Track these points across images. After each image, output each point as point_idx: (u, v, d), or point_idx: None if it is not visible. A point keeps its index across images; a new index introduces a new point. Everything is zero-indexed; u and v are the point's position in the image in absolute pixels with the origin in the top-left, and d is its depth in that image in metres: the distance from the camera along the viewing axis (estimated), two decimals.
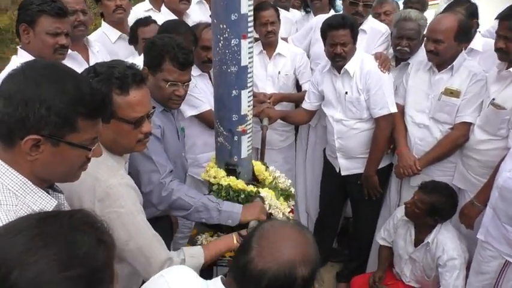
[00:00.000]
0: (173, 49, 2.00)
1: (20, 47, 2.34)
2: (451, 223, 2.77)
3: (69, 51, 2.52)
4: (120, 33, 3.19)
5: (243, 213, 2.00)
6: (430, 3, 4.35)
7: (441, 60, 2.67)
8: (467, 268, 2.56)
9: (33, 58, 2.25)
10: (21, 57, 2.26)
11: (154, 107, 1.71)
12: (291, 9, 4.03)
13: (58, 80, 1.11)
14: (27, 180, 1.13)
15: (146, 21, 2.98)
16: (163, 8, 3.52)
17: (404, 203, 2.74)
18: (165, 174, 1.96)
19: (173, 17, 3.43)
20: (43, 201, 1.15)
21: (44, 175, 1.16)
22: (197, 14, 3.63)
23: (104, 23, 3.26)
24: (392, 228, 2.90)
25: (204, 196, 2.05)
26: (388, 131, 2.89)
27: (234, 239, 1.84)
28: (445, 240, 2.58)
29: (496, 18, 2.44)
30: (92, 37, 3.16)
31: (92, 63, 2.77)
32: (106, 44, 3.12)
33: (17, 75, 1.11)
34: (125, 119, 1.55)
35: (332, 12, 3.55)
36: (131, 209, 1.53)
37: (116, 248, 0.90)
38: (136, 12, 3.36)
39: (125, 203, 1.52)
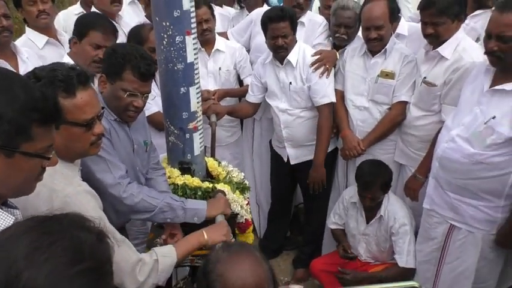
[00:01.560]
0: (135, 58, 1.88)
1: None
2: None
3: None
4: (47, 37, 3.02)
5: (208, 209, 2.00)
6: None
7: (384, 45, 2.81)
8: (415, 236, 2.75)
9: None
10: None
11: (103, 107, 1.65)
12: (224, 6, 4.04)
13: (6, 86, 1.04)
14: None
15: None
16: (93, 10, 3.39)
17: (361, 201, 2.84)
18: (120, 174, 1.89)
19: None
20: (0, 219, 1.08)
21: None
22: (130, 15, 3.54)
23: (27, 29, 3.07)
24: (343, 210, 3.02)
25: (166, 195, 2.01)
26: (331, 119, 3.00)
27: (204, 234, 1.83)
28: (395, 209, 2.77)
29: (418, 8, 2.61)
30: (18, 43, 2.97)
31: (22, 71, 2.61)
32: (33, 50, 2.94)
33: None
34: (75, 122, 1.49)
35: (265, 7, 3.60)
36: (93, 215, 1.47)
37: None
38: (67, 15, 3.20)
39: (85, 211, 1.45)
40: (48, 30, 3.07)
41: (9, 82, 1.06)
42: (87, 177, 1.82)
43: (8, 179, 1.08)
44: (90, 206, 1.49)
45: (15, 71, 2.50)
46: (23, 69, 2.63)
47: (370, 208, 2.82)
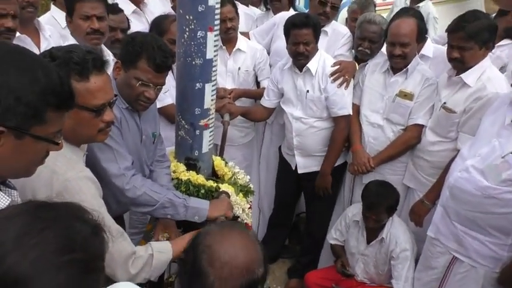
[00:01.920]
0: (152, 49, 1.85)
1: None
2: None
3: (18, 34, 2.35)
4: None
5: (210, 209, 1.96)
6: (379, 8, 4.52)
7: (407, 63, 2.76)
8: (415, 263, 2.69)
9: None
10: None
11: (116, 95, 1.63)
12: (250, 6, 4.01)
13: (27, 67, 1.02)
14: None
15: (114, 8, 2.82)
16: None
17: (364, 221, 2.79)
18: (125, 165, 1.87)
19: (130, 5, 3.31)
20: None
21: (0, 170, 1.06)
22: (156, 4, 3.52)
23: (53, 7, 3.06)
24: (344, 227, 2.97)
25: (169, 191, 1.98)
26: (347, 131, 2.96)
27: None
28: (398, 233, 2.71)
29: (446, 31, 2.56)
30: (41, 20, 2.96)
31: (43, 48, 2.59)
32: (55, 29, 2.93)
33: None
34: (86, 106, 1.46)
35: (292, 11, 3.56)
36: (91, 202, 1.45)
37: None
38: None
39: (84, 197, 1.44)
40: None
41: (31, 63, 1.04)
42: (93, 163, 1.80)
43: (12, 160, 1.06)
44: (89, 193, 1.46)
45: (35, 51, 2.52)
46: (45, 46, 2.61)
47: (373, 229, 2.77)
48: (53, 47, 1.52)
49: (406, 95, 2.79)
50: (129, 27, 2.96)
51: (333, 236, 3.04)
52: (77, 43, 2.42)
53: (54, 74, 1.06)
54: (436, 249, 2.42)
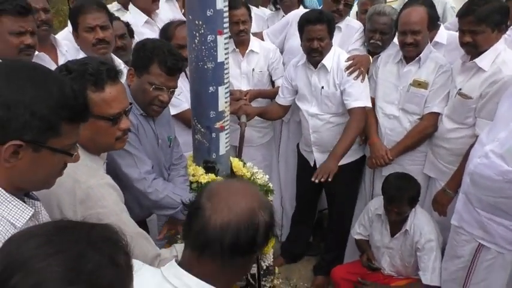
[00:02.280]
0: (163, 53, 1.94)
1: None
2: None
3: (36, 52, 2.43)
4: None
5: None
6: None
7: (419, 51, 2.74)
8: (442, 253, 2.66)
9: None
10: None
11: (131, 103, 1.68)
12: (260, 6, 4.04)
13: (42, 82, 1.07)
14: (1, 189, 1.07)
15: (112, 16, 2.88)
16: (131, 6, 3.45)
17: (386, 214, 2.77)
18: (146, 169, 1.93)
19: (142, 16, 3.38)
20: (18, 211, 1.10)
21: (20, 183, 1.11)
22: (166, 12, 3.57)
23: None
24: (368, 221, 2.96)
25: (191, 194, 2.03)
26: (362, 123, 2.88)
27: None
28: (422, 224, 2.68)
29: (457, 16, 2.53)
30: (59, 36, 3.05)
31: (60, 63, 2.68)
32: (74, 44, 3.02)
33: None
34: (102, 116, 1.51)
35: (302, 9, 3.57)
36: (114, 208, 1.50)
37: (132, 270, 0.84)
38: None
39: (106, 203, 1.48)
40: None
41: (45, 78, 1.09)
42: (113, 170, 1.85)
43: (31, 173, 1.10)
44: (111, 199, 1.51)
45: (49, 68, 2.59)
46: (62, 61, 2.68)
47: (396, 222, 2.75)
48: (68, 61, 1.58)
49: (420, 84, 2.76)
50: (132, 34, 3.02)
51: (357, 231, 3.03)
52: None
53: (68, 88, 1.11)
54: (461, 238, 2.39)
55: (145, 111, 2.04)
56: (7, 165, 1.05)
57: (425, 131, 2.80)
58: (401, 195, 2.64)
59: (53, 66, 2.57)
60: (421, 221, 2.70)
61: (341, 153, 2.81)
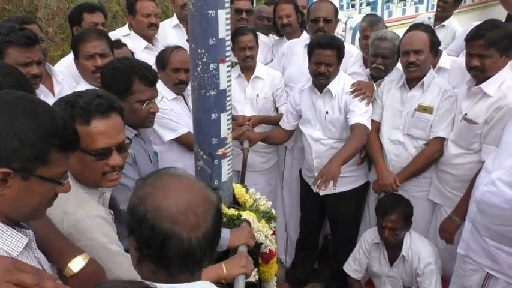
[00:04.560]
0: (139, 69, 1.99)
1: None
2: (427, 238, 2.83)
3: None
4: None
5: (231, 238, 1.96)
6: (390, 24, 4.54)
7: (422, 73, 2.73)
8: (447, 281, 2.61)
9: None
10: None
11: (130, 139, 1.65)
12: (270, 34, 4.08)
13: (32, 112, 1.08)
14: None
15: (117, 43, 2.93)
16: (131, 32, 3.52)
17: (380, 237, 2.76)
18: None
19: (142, 41, 3.44)
20: (13, 240, 1.10)
21: (10, 212, 1.10)
22: (174, 38, 3.62)
23: None
24: (363, 255, 2.92)
25: None
26: (363, 139, 2.79)
27: (223, 268, 1.79)
28: (419, 249, 2.66)
29: (465, 40, 2.53)
30: (62, 63, 3.10)
31: (56, 92, 2.71)
32: (76, 70, 3.06)
33: None
34: (85, 150, 1.48)
35: (305, 34, 3.61)
36: (102, 240, 1.47)
37: None
38: (115, 36, 3.32)
39: (94, 236, 1.45)
40: None
41: (35, 108, 1.10)
42: (115, 205, 1.84)
43: (21, 202, 1.10)
44: (99, 231, 1.47)
45: (50, 96, 2.60)
46: (58, 90, 2.72)
47: (392, 245, 2.72)
48: (73, 92, 1.58)
49: (425, 109, 2.75)
50: None
51: (352, 267, 2.98)
52: (86, 83, 2.52)
53: (58, 118, 1.12)
54: (468, 267, 2.34)
55: (141, 127, 2.09)
56: None
57: (432, 156, 2.78)
58: (395, 207, 2.66)
59: (48, 95, 2.60)
60: (417, 246, 2.68)
61: (343, 158, 2.61)
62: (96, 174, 1.54)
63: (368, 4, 13.13)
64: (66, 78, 2.85)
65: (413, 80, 2.78)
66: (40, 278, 1.04)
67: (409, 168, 2.83)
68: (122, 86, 1.99)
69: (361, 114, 2.83)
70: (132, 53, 3.04)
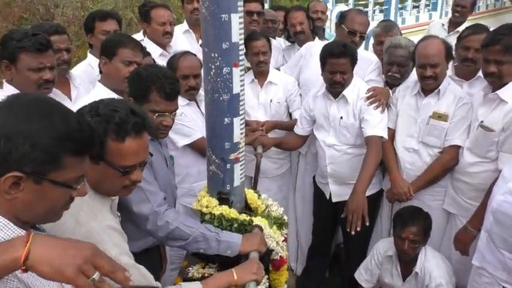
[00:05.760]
0: (159, 80, 1.97)
1: (6, 81, 2.26)
2: (440, 250, 2.77)
3: None
4: None
5: (243, 243, 1.95)
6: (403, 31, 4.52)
7: (438, 84, 2.71)
8: None
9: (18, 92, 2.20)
10: (6, 91, 2.19)
11: (151, 154, 1.66)
12: (277, 37, 4.09)
13: (45, 114, 1.06)
14: (7, 221, 1.06)
15: (144, 52, 2.94)
16: (146, 39, 3.55)
17: (398, 249, 2.70)
18: (158, 202, 1.92)
19: (157, 48, 3.46)
20: None
21: (23, 215, 1.09)
22: (184, 43, 3.64)
23: (89, 55, 3.24)
24: (375, 265, 2.88)
25: (202, 225, 2.00)
26: (380, 153, 2.78)
27: (234, 274, 1.77)
28: (431, 267, 2.62)
29: (481, 46, 2.49)
30: (78, 68, 3.13)
31: (73, 96, 2.75)
32: (91, 75, 3.08)
33: (2, 109, 1.05)
34: (114, 165, 1.48)
35: (317, 40, 3.60)
36: (113, 251, 1.46)
37: None
38: None
39: (106, 246, 1.43)
40: None
41: (49, 110, 1.08)
42: (125, 205, 1.84)
43: (34, 206, 1.08)
44: (111, 242, 1.47)
45: (66, 101, 2.62)
46: (75, 94, 2.76)
47: (407, 258, 2.67)
48: (102, 101, 1.54)
49: (440, 116, 2.71)
50: None
51: (364, 277, 2.94)
52: (103, 87, 2.51)
53: (73, 120, 1.09)
54: (483, 280, 2.27)
55: (152, 136, 2.06)
56: (7, 197, 1.04)
57: (447, 164, 2.73)
58: (416, 218, 2.62)
59: (65, 100, 2.63)
60: (431, 264, 2.63)
61: (365, 187, 2.60)
62: (117, 187, 1.54)
63: (381, 11, 13.13)
64: (83, 82, 2.88)
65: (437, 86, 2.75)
66: (114, 267, 1.04)
67: (423, 177, 2.79)
68: (140, 92, 2.00)
69: (376, 124, 2.81)
70: (153, 60, 3.05)
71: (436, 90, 2.73)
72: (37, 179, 1.05)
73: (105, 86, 2.51)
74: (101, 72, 2.62)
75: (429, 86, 2.73)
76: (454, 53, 2.85)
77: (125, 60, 2.47)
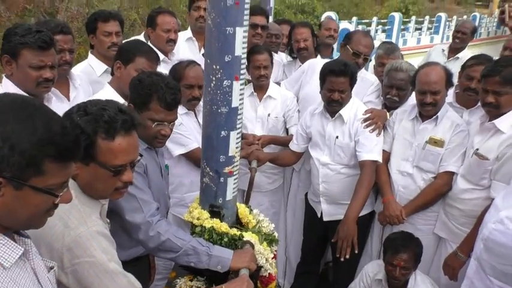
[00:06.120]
0: (161, 89, 1.96)
1: (5, 76, 2.24)
2: (429, 274, 2.76)
3: None
4: (106, 66, 3.15)
5: (234, 259, 1.93)
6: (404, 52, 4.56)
7: (437, 110, 2.73)
8: None
9: (17, 88, 2.19)
10: (5, 87, 2.18)
11: (141, 155, 1.65)
12: (279, 52, 4.10)
13: (27, 116, 1.01)
14: None
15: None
16: (148, 43, 3.53)
17: (388, 275, 2.68)
18: (151, 212, 1.90)
19: (157, 53, 3.43)
20: (7, 250, 1.05)
21: (5, 221, 1.05)
22: (185, 51, 3.64)
23: (90, 55, 3.22)
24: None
25: (193, 239, 1.98)
26: (373, 177, 2.84)
27: None
28: None
29: (481, 76, 2.51)
30: (78, 68, 3.11)
31: (72, 96, 2.72)
32: (91, 76, 3.07)
33: None
34: (105, 165, 1.47)
35: (319, 58, 3.61)
36: (102, 257, 1.44)
37: None
38: None
39: (95, 252, 1.43)
40: (109, 60, 3.21)
41: (31, 112, 1.03)
42: (118, 213, 1.82)
43: (15, 212, 1.05)
44: (99, 248, 1.44)
45: (64, 101, 2.60)
46: (73, 95, 2.73)
47: (398, 284, 2.66)
48: (89, 101, 1.55)
49: (436, 142, 2.73)
50: None
51: None
52: (112, 90, 2.50)
53: (56, 125, 1.05)
54: None
55: (149, 144, 2.06)
56: None
57: (440, 189, 2.74)
58: (408, 245, 2.61)
59: (62, 100, 2.61)
60: None
61: (356, 214, 2.72)
62: (108, 188, 1.53)
63: (383, 31, 13.26)
64: (83, 83, 2.86)
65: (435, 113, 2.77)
66: None
67: (416, 201, 2.79)
68: (141, 99, 1.99)
69: (371, 148, 2.83)
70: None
71: (434, 116, 2.75)
72: (17, 185, 1.01)
73: (114, 89, 2.50)
74: (112, 74, 2.61)
75: (428, 112, 2.74)
76: (456, 80, 2.87)
77: (140, 68, 2.46)
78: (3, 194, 1.01)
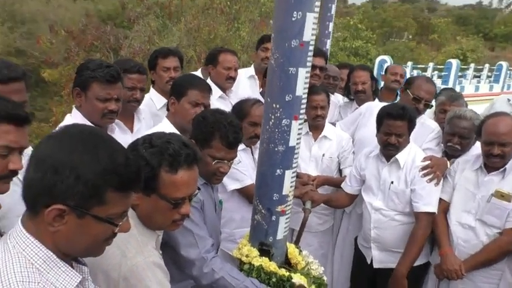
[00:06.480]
0: (224, 127, 1.99)
1: (75, 107, 2.37)
2: None
3: None
4: (165, 100, 3.26)
5: None
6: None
7: (505, 163, 2.60)
8: None
9: (84, 119, 2.29)
10: (74, 118, 2.30)
11: (199, 188, 1.67)
12: (335, 93, 4.10)
13: (92, 147, 1.05)
14: (51, 253, 1.06)
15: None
16: (208, 81, 3.63)
17: None
18: (206, 248, 1.90)
19: (217, 90, 3.52)
20: (67, 277, 1.08)
21: (65, 248, 1.08)
22: (246, 89, 3.71)
23: (152, 90, 3.36)
24: None
25: (247, 279, 1.96)
26: (429, 230, 2.73)
27: None
28: None
29: None
30: (143, 101, 3.23)
31: (135, 129, 2.82)
32: (151, 109, 3.19)
33: (53, 138, 1.07)
34: (166, 197, 1.50)
35: (377, 102, 3.57)
36: None
37: None
38: None
39: (150, 283, 1.43)
40: (168, 94, 3.32)
41: (96, 143, 1.07)
42: (173, 247, 1.83)
43: (76, 239, 1.07)
44: (155, 279, 1.45)
45: (127, 133, 2.69)
46: (137, 127, 2.83)
47: None
48: (154, 133, 1.60)
49: (503, 196, 2.56)
50: None
51: None
52: (170, 124, 2.57)
53: (120, 156, 1.08)
54: None
55: (207, 180, 2.08)
56: (51, 229, 1.04)
57: (505, 247, 2.55)
58: None
59: (126, 132, 2.70)
60: None
61: (407, 270, 2.67)
62: (167, 220, 1.55)
63: (439, 77, 12.99)
64: (146, 116, 2.97)
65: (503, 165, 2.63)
66: None
67: (478, 257, 2.61)
68: (203, 136, 2.03)
69: (428, 200, 2.73)
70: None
71: (502, 169, 2.60)
72: (80, 213, 1.04)
73: (171, 123, 2.57)
74: (167, 109, 2.68)
75: (495, 164, 2.60)
76: None
77: (193, 101, 2.52)
78: (66, 221, 1.04)
